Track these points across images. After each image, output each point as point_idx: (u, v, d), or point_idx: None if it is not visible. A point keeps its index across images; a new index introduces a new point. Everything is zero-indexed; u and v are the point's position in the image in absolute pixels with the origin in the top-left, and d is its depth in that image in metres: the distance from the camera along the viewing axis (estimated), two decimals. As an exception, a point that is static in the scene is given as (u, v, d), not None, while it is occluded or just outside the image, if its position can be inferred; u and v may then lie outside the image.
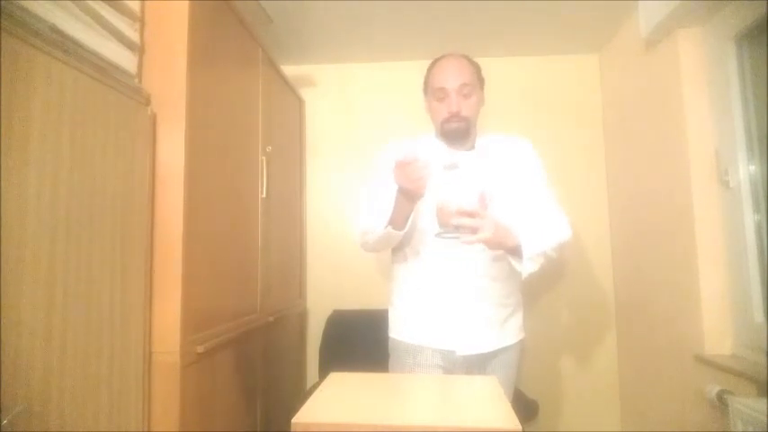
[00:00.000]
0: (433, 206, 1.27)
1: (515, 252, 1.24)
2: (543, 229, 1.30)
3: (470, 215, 1.15)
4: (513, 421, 0.80)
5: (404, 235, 1.40)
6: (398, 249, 1.46)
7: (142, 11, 1.22)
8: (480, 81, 1.40)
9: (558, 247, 1.32)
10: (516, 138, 1.46)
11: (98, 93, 1.01)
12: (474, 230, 1.15)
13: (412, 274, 1.41)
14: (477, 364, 1.36)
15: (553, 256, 1.31)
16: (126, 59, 1.14)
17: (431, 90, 1.38)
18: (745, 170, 1.49)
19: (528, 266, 1.24)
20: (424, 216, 1.35)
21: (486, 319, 1.34)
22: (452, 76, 1.33)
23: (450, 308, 1.34)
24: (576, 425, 2.24)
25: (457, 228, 1.16)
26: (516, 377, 1.48)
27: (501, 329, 1.37)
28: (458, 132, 1.35)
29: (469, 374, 1.35)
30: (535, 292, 2.27)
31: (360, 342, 2.01)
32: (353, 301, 2.25)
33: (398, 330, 1.42)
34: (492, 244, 1.20)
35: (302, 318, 2.34)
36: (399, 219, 1.26)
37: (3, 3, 0.78)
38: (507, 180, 1.37)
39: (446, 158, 1.31)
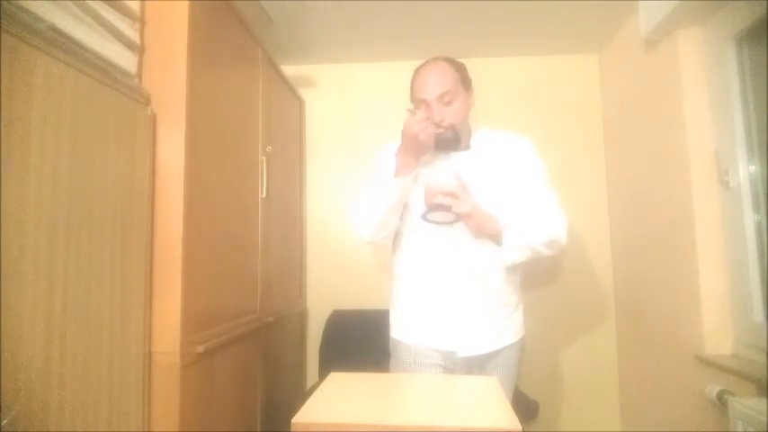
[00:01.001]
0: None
1: (499, 240, 1.29)
2: (531, 221, 1.30)
3: (451, 195, 1.26)
4: (513, 421, 0.80)
5: (401, 233, 1.42)
6: (397, 248, 1.46)
7: (142, 11, 1.22)
8: (465, 83, 1.37)
9: (549, 243, 1.31)
10: (516, 136, 1.44)
11: (98, 93, 1.01)
12: (450, 207, 1.26)
13: (411, 273, 1.42)
14: (478, 364, 1.37)
15: (543, 251, 1.31)
16: (126, 59, 1.14)
17: (414, 101, 1.38)
18: (745, 170, 1.49)
19: (509, 254, 1.29)
20: (421, 208, 1.35)
21: (486, 319, 1.34)
22: (431, 86, 1.31)
23: (449, 308, 1.34)
24: (576, 425, 2.24)
25: (439, 206, 1.27)
26: (517, 376, 1.48)
27: (501, 329, 1.37)
28: (445, 141, 1.32)
29: (470, 374, 1.36)
30: (535, 293, 2.27)
31: (360, 342, 2.01)
32: (353, 301, 2.25)
33: (399, 330, 1.42)
34: (473, 226, 1.28)
35: (302, 318, 2.34)
36: (406, 166, 1.30)
37: (3, 3, 0.78)
38: (504, 177, 1.37)
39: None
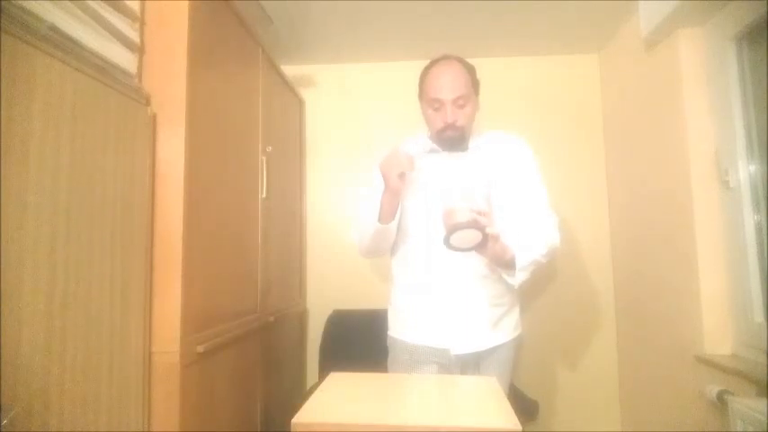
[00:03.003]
0: (425, 206, 1.31)
1: (509, 264, 1.25)
2: (534, 237, 1.29)
3: (481, 213, 1.13)
4: (513, 421, 0.80)
5: (399, 235, 1.42)
6: (395, 251, 1.47)
7: (142, 11, 1.22)
8: (475, 87, 1.39)
9: (548, 253, 1.31)
10: (510, 135, 1.46)
11: (98, 93, 1.01)
12: (484, 227, 1.12)
13: (408, 274, 1.43)
14: (473, 362, 1.38)
15: (543, 261, 1.31)
16: (126, 60, 1.14)
17: (426, 99, 1.37)
18: (745, 170, 1.49)
19: (519, 277, 1.26)
20: (417, 218, 1.37)
21: (481, 318, 1.36)
22: (447, 88, 1.32)
23: (444, 307, 1.36)
24: (575, 425, 2.24)
25: (470, 222, 1.10)
26: (512, 373, 1.49)
27: (495, 328, 1.38)
28: (453, 141, 1.36)
29: (464, 371, 1.38)
30: (535, 293, 2.27)
31: (360, 342, 2.01)
32: (353, 301, 2.25)
33: (396, 329, 1.45)
34: (497, 250, 1.19)
35: (302, 318, 2.34)
36: (385, 213, 1.31)
37: (3, 3, 0.78)
38: (499, 179, 1.37)
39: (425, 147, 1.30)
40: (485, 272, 1.35)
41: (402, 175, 1.23)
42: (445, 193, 1.19)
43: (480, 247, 1.16)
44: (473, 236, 1.12)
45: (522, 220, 1.32)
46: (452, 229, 1.11)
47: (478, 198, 1.18)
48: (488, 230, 1.12)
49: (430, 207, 1.33)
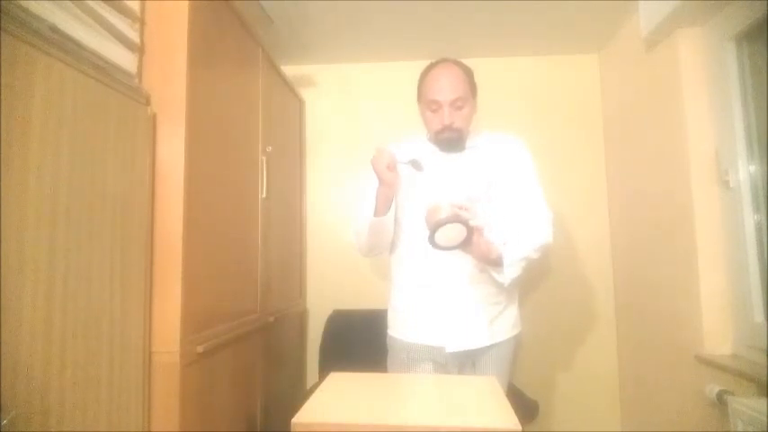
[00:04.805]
0: (422, 206, 1.30)
1: (496, 262, 1.26)
2: (524, 234, 1.30)
3: (463, 208, 1.16)
4: (513, 421, 0.80)
5: (397, 234, 1.43)
6: (394, 251, 1.48)
7: (142, 11, 1.22)
8: (473, 89, 1.40)
9: (540, 248, 1.32)
10: (508, 136, 1.46)
11: (98, 93, 1.01)
12: (467, 220, 1.14)
13: (405, 274, 1.44)
14: (469, 360, 1.39)
15: (534, 257, 1.32)
16: (126, 59, 1.14)
17: (424, 100, 1.38)
18: (745, 170, 1.49)
19: (508, 274, 1.27)
20: (414, 218, 1.37)
21: (476, 316, 1.36)
22: (446, 90, 1.33)
23: (440, 306, 1.37)
24: (576, 425, 2.23)
25: (452, 216, 1.11)
26: (511, 373, 1.49)
27: (491, 326, 1.38)
28: (450, 142, 1.36)
29: (462, 370, 1.38)
30: (535, 293, 2.27)
31: (360, 342, 2.01)
32: (353, 301, 2.25)
33: (395, 328, 1.46)
34: (482, 248, 1.22)
35: (302, 318, 2.34)
36: (380, 206, 1.32)
37: (3, 3, 0.78)
38: (496, 179, 1.38)
39: (409, 156, 1.30)
40: (479, 270, 1.35)
41: (391, 167, 1.25)
42: (429, 194, 1.22)
43: (465, 244, 1.17)
44: (457, 233, 1.13)
45: (513, 219, 1.33)
46: (435, 226, 1.12)
47: (460, 195, 1.19)
48: (471, 223, 1.13)
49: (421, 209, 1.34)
